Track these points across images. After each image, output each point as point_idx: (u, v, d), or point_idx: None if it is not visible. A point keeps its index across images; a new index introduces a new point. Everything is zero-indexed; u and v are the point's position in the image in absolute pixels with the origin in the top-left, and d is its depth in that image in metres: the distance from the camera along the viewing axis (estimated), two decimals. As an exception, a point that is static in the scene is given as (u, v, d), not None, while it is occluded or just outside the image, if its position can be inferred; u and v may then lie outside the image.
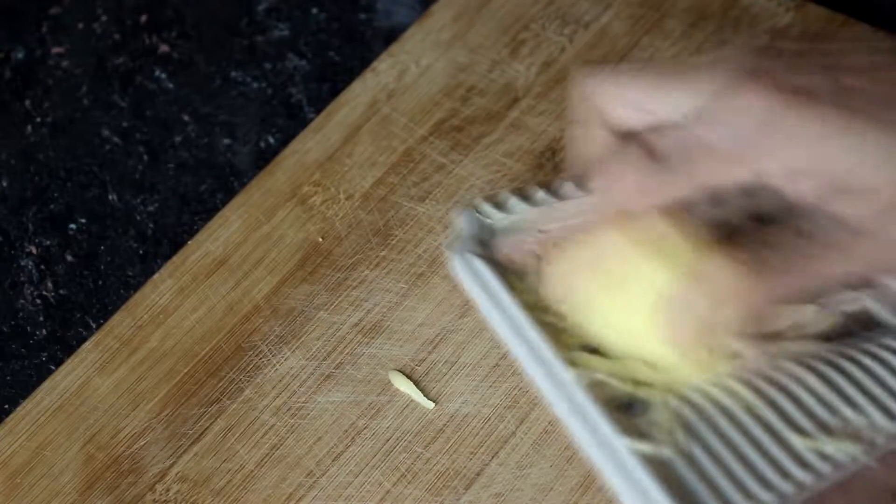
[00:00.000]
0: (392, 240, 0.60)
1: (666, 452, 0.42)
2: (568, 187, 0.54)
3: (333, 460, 0.53)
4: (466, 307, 0.57)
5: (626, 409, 0.45)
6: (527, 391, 0.54)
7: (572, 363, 0.46)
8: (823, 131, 0.39)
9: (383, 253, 0.60)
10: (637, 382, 0.46)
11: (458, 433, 0.54)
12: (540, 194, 0.54)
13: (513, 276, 0.50)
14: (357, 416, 0.55)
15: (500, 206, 0.53)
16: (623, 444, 0.42)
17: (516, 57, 0.66)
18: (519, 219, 0.53)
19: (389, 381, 0.55)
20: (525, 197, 0.54)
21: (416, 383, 0.55)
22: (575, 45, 0.66)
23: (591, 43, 0.66)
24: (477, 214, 0.53)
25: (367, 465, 0.53)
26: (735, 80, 0.41)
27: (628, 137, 0.44)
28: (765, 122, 0.40)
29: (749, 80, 0.41)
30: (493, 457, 0.53)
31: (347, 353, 0.56)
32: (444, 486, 0.52)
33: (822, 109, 0.40)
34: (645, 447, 0.42)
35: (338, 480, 0.53)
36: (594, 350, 0.47)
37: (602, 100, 0.44)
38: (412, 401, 0.55)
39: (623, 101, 0.44)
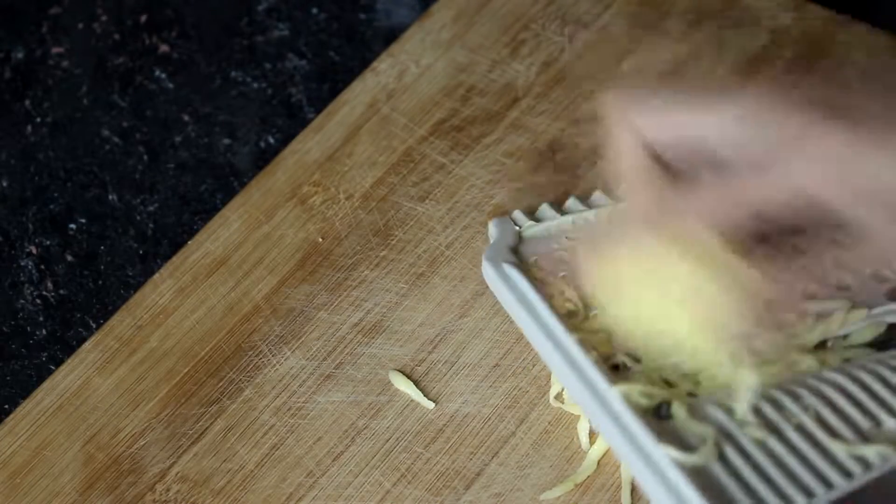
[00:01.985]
0: (392, 240, 0.60)
1: (703, 459, 0.42)
2: (597, 196, 0.55)
3: (333, 460, 0.53)
4: (466, 307, 0.57)
5: (657, 414, 0.45)
6: (527, 391, 0.54)
7: (607, 370, 0.46)
8: (856, 144, 0.40)
9: (383, 253, 0.60)
10: (668, 384, 0.46)
11: (458, 433, 0.54)
12: (569, 202, 0.55)
13: (541, 282, 0.51)
14: (357, 416, 0.55)
15: (531, 213, 0.54)
16: (662, 453, 0.42)
17: (516, 57, 0.66)
18: (549, 226, 0.53)
19: (389, 381, 0.55)
20: (555, 205, 0.54)
21: (416, 383, 0.55)
22: (575, 45, 0.66)
23: (591, 43, 0.66)
24: (509, 222, 0.53)
25: (367, 465, 0.53)
26: (768, 99, 0.41)
27: (659, 157, 0.45)
28: (798, 136, 0.40)
29: (784, 98, 0.41)
30: (493, 457, 0.53)
31: (347, 353, 0.56)
32: (444, 486, 0.52)
33: (854, 124, 0.40)
34: (683, 456, 0.42)
35: (338, 480, 0.53)
36: (626, 354, 0.48)
37: (637, 120, 0.45)
38: (412, 401, 0.55)
39: (656, 122, 0.45)
